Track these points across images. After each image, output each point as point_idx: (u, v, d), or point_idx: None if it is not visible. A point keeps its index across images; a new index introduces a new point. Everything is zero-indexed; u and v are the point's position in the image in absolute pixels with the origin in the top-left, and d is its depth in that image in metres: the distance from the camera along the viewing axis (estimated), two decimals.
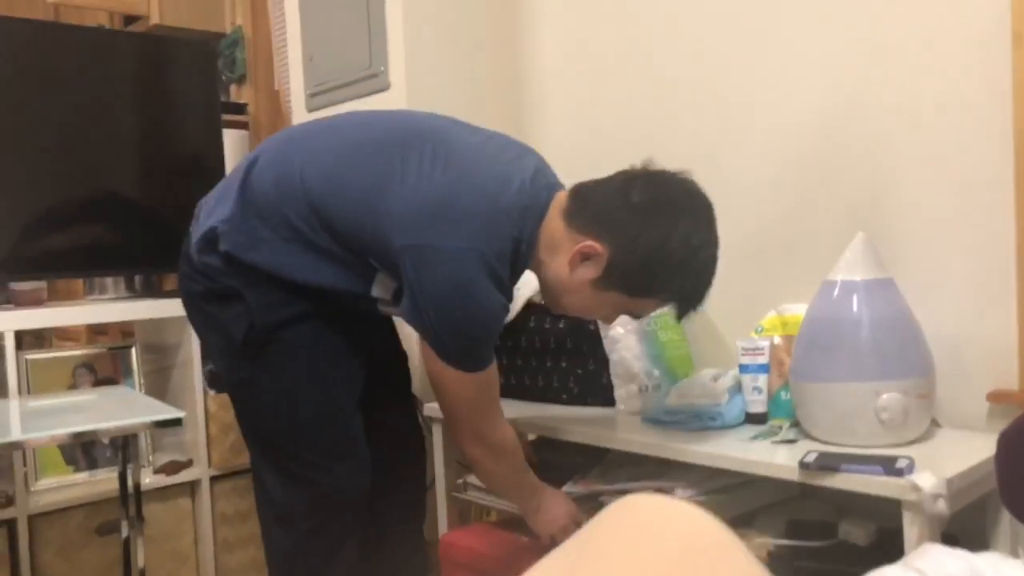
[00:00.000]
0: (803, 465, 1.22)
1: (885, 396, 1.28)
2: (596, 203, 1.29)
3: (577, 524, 1.44)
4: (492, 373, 1.35)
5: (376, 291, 1.35)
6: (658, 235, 1.24)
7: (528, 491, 1.47)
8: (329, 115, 1.53)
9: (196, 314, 1.44)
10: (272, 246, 1.32)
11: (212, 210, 1.37)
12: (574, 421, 1.63)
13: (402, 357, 1.65)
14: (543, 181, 1.36)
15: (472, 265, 1.24)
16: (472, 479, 1.76)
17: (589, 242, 1.26)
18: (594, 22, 1.98)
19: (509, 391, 1.87)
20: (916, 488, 1.12)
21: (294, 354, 1.37)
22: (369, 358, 1.45)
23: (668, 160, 1.79)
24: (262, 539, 1.48)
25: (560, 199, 1.33)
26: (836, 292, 1.35)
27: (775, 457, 1.30)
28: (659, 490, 1.45)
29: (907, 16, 1.46)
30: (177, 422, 1.40)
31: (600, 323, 1.70)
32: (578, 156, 2.03)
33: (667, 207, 1.26)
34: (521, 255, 1.32)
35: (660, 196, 1.27)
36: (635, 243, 1.25)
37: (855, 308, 1.32)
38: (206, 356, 1.57)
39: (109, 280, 2.19)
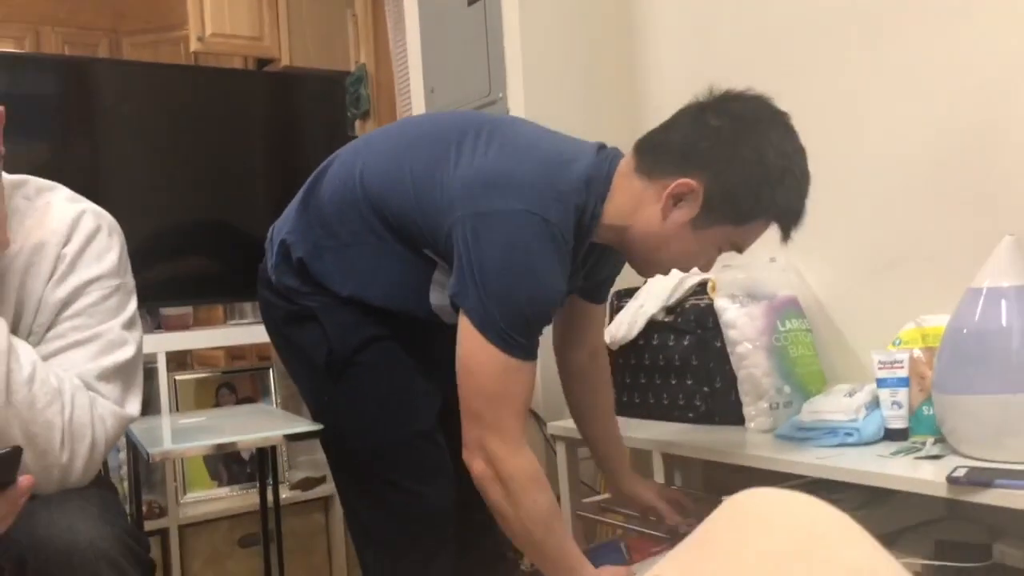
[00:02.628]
0: (952, 480, 1.16)
1: None
2: (674, 143, 1.23)
3: None
4: (527, 377, 1.21)
5: (434, 293, 1.31)
6: (751, 151, 1.19)
7: (555, 566, 1.23)
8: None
9: (279, 340, 1.44)
10: (335, 254, 1.32)
11: (281, 227, 1.39)
12: (704, 439, 1.60)
13: None
14: (606, 152, 1.30)
15: (532, 228, 1.17)
16: (598, 499, 1.76)
17: (681, 180, 1.20)
18: (712, 42, 1.97)
19: (632, 409, 1.86)
20: None
21: (371, 377, 1.35)
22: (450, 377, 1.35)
23: None
24: (358, 559, 1.46)
25: (625, 163, 1.27)
26: (982, 300, 1.28)
27: (920, 472, 1.24)
28: None
29: None
30: (315, 434, 1.45)
31: (726, 337, 1.67)
32: None
33: (749, 123, 1.20)
34: (584, 227, 1.25)
35: (738, 114, 1.21)
36: (730, 166, 1.19)
37: (1004, 316, 1.25)
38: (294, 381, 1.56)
39: (248, 306, 2.31)
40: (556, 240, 1.18)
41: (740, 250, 1.29)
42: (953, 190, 1.54)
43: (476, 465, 1.21)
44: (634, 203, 1.25)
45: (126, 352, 1.19)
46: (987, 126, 1.49)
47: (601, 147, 1.32)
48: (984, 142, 1.49)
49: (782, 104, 1.77)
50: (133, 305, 1.24)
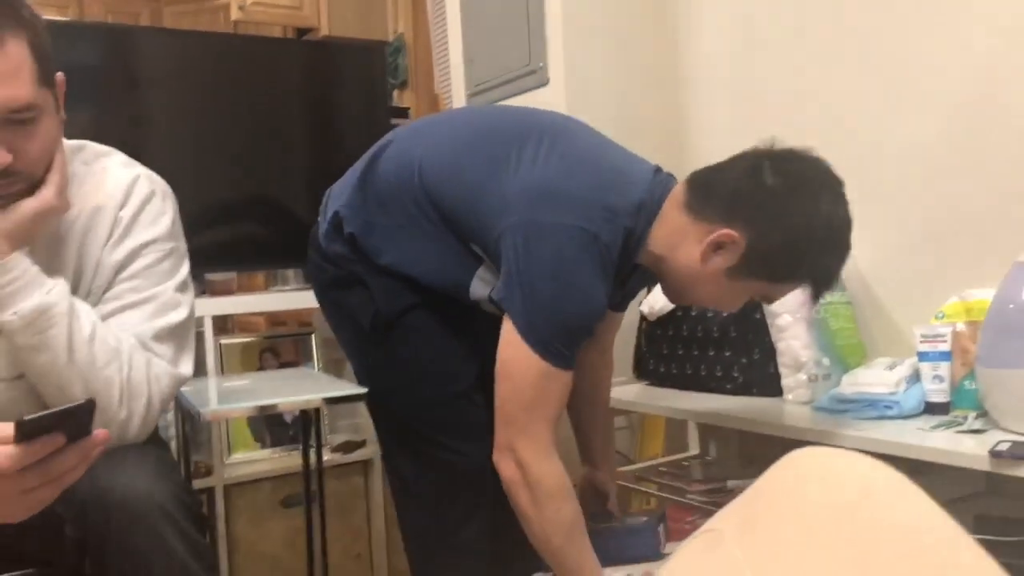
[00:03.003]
0: (995, 454, 1.16)
1: None
2: (725, 189, 1.24)
3: None
4: (563, 386, 1.25)
5: (475, 285, 1.34)
6: (800, 217, 1.20)
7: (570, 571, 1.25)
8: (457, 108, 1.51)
9: (326, 303, 1.49)
10: (386, 232, 1.35)
11: (337, 197, 1.43)
12: (742, 410, 1.61)
13: None
14: (660, 177, 1.33)
15: (582, 244, 1.20)
16: (633, 468, 1.78)
17: (725, 230, 1.22)
18: (755, 9, 1.94)
19: (669, 380, 1.87)
20: None
21: (414, 340, 1.39)
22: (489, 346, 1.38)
23: (841, 143, 1.75)
24: (396, 513, 1.50)
25: (676, 193, 1.29)
26: None
27: (961, 446, 1.24)
28: None
29: None
30: (356, 398, 1.48)
31: (765, 309, 1.68)
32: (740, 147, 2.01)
33: (803, 187, 1.21)
34: (630, 250, 1.28)
35: (794, 176, 1.22)
36: (776, 227, 1.20)
37: None
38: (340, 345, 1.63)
39: (291, 272, 2.34)
40: (603, 257, 1.22)
41: (769, 303, 1.33)
42: (999, 163, 1.51)
43: (505, 468, 1.25)
44: (677, 237, 1.27)
45: (180, 314, 1.22)
46: None
47: (657, 170, 1.34)
48: None
49: (826, 72, 1.77)
50: (186, 268, 1.27)
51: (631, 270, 1.34)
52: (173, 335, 1.21)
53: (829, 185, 1.23)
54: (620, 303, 1.53)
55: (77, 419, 0.78)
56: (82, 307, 1.12)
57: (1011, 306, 1.28)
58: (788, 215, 1.20)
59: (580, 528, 1.27)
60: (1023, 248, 1.31)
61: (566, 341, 1.23)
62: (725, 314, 1.75)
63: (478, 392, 1.41)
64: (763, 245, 1.21)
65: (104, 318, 1.15)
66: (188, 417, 1.63)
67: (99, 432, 0.82)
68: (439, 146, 1.36)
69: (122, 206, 1.20)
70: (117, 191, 1.21)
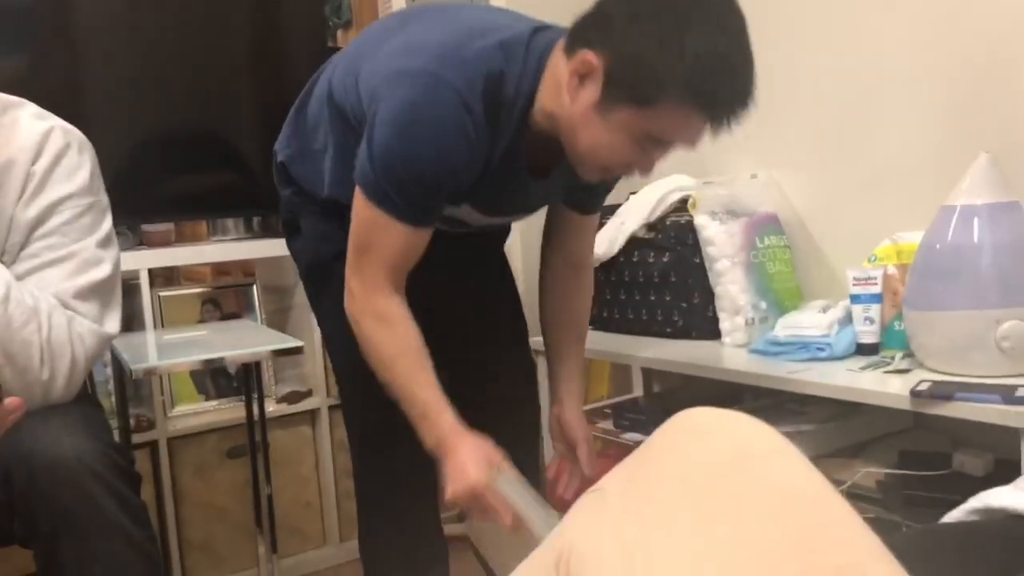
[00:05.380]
0: (915, 394, 1.19)
1: (1007, 324, 1.23)
2: (591, 15, 1.09)
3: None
4: (397, 237, 1.16)
5: None
6: (667, 19, 1.01)
7: (419, 412, 1.18)
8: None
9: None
10: (313, 159, 1.33)
11: (280, 138, 1.42)
12: (680, 353, 1.63)
13: (504, 296, 1.56)
14: (549, 32, 1.17)
15: (428, 89, 1.09)
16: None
17: (581, 56, 1.06)
18: None
19: (612, 324, 1.89)
20: None
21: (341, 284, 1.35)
22: (440, 294, 1.35)
23: (783, 90, 1.75)
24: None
25: (561, 42, 1.14)
26: (955, 217, 1.29)
27: (886, 386, 1.27)
28: None
29: None
30: (298, 350, 1.48)
31: (704, 254, 1.69)
32: None
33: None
34: (506, 101, 1.13)
35: None
36: (634, 35, 1.03)
37: (976, 233, 1.27)
38: None
39: (231, 222, 2.29)
40: (454, 102, 1.10)
41: (663, 143, 1.10)
42: (932, 107, 1.53)
43: (346, 304, 1.23)
44: (557, 84, 1.12)
45: (102, 270, 1.19)
46: (967, 45, 1.47)
47: (541, 27, 1.19)
48: (963, 60, 1.47)
49: (765, 21, 1.75)
50: (108, 223, 1.24)
51: (517, 126, 1.17)
52: (97, 292, 1.18)
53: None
54: (576, 200, 1.39)
55: None
56: None
57: (937, 248, 1.31)
58: (653, 20, 1.02)
59: (404, 358, 1.19)
60: (951, 193, 1.32)
61: (398, 188, 1.13)
62: (666, 259, 1.76)
63: None
64: (621, 60, 1.04)
65: (21, 277, 1.12)
66: (123, 373, 1.61)
67: (10, 400, 0.80)
68: (345, 57, 1.31)
69: (35, 160, 1.16)
70: (29, 144, 1.16)
